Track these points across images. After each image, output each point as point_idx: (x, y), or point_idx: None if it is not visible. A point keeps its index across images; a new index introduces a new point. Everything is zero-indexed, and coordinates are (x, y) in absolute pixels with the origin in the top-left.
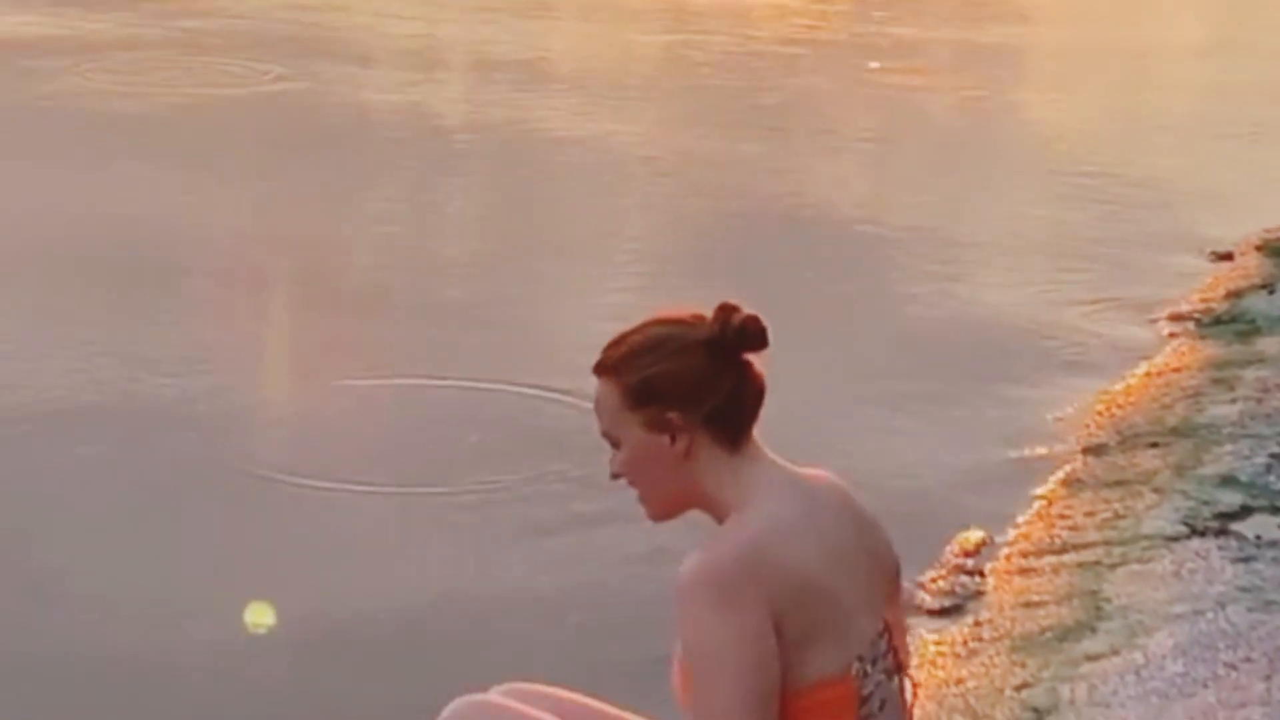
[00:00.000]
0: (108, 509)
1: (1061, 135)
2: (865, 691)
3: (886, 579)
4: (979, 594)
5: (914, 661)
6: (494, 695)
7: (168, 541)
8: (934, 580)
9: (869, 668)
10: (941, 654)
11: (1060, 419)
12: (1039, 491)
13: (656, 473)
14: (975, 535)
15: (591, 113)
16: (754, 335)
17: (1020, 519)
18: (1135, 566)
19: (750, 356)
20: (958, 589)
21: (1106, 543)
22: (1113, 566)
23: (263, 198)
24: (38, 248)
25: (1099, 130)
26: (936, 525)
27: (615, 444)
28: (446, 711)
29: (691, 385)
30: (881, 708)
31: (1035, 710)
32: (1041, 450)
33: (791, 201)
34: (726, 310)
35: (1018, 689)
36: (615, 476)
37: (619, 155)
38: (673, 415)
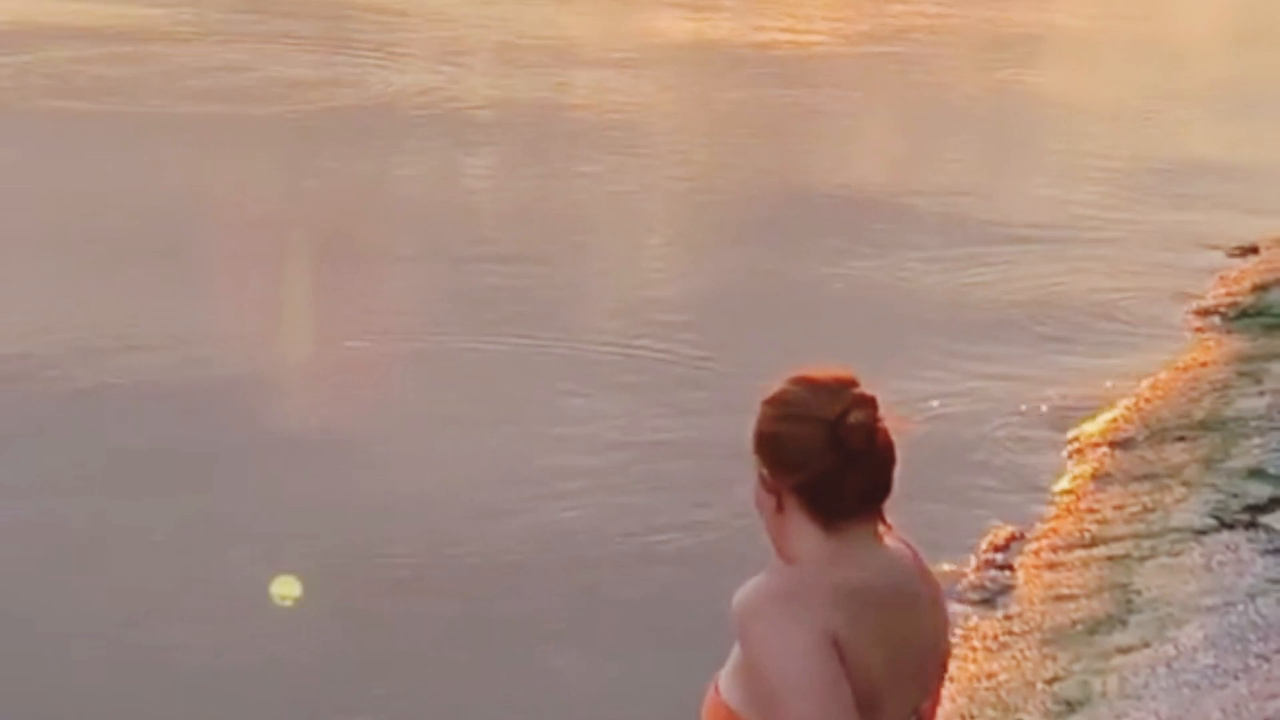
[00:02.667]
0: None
1: (1086, 121)
2: None
3: (933, 669)
4: (1009, 588)
5: None
6: None
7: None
8: (965, 575)
9: None
10: (973, 648)
11: (1088, 415)
12: (1067, 486)
13: (763, 517)
14: (1005, 530)
15: (619, 88)
16: (856, 438)
17: (1049, 514)
18: (1165, 560)
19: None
20: (988, 583)
21: (1135, 536)
22: (1142, 560)
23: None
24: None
25: (1123, 117)
26: (966, 520)
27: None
28: None
29: (785, 453)
30: None
31: (1067, 703)
32: (1069, 446)
33: (819, 174)
34: (851, 402)
35: (1049, 682)
36: None
37: (647, 128)
38: (764, 472)
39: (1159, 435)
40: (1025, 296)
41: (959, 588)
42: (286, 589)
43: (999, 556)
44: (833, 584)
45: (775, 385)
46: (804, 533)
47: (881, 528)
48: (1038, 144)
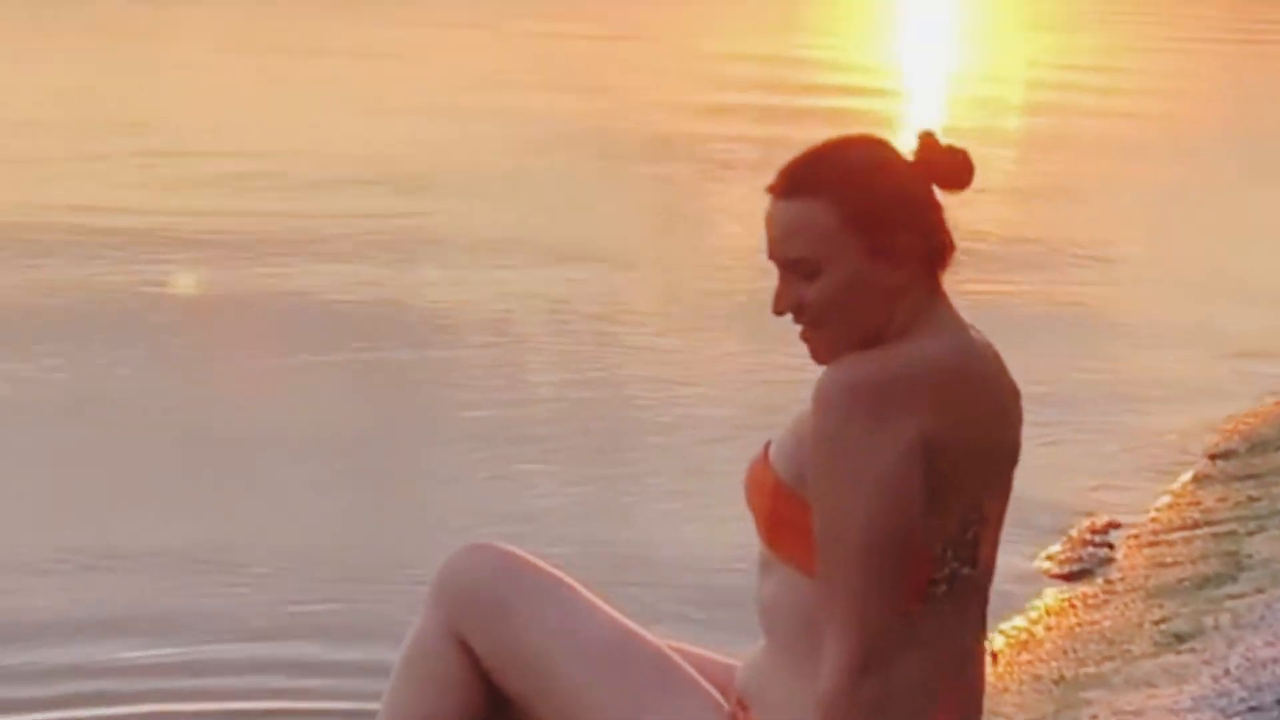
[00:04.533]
0: None
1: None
2: (936, 575)
3: (1005, 465)
4: (1108, 561)
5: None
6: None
7: None
8: (1060, 552)
9: (949, 552)
10: (1073, 605)
11: (1185, 435)
12: (1167, 488)
13: (859, 304)
14: (1101, 519)
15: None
16: (966, 170)
17: (1146, 508)
18: (1276, 532)
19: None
20: (1085, 557)
21: (1241, 519)
22: (1250, 534)
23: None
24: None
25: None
26: (1062, 515)
27: (812, 273)
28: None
29: (925, 212)
30: (948, 591)
31: (1176, 636)
32: (1167, 460)
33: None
34: (932, 140)
35: (1157, 623)
36: (799, 309)
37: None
38: (906, 240)
39: (1261, 447)
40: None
41: (1053, 561)
42: None
43: (1096, 538)
44: (932, 362)
45: (822, 161)
46: (914, 301)
47: None
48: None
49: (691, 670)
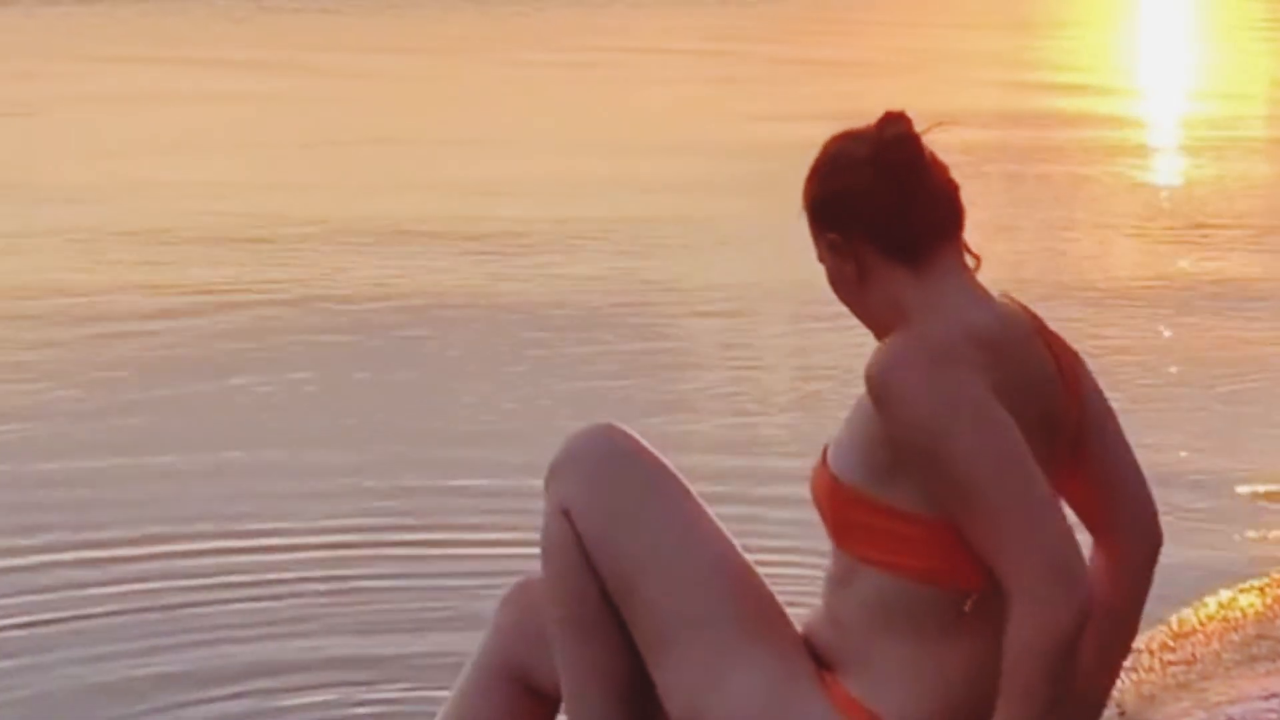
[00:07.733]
0: None
1: None
2: None
3: (1059, 435)
4: None
5: None
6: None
7: None
8: None
9: None
10: None
11: None
12: None
13: (844, 294)
14: None
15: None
16: (895, 152)
17: None
18: None
19: (932, 167)
20: None
21: None
22: None
23: None
24: None
25: None
26: None
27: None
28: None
29: (847, 203)
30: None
31: None
32: None
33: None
34: (886, 120)
35: None
36: None
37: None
38: (833, 237)
39: None
40: None
41: None
42: None
43: None
44: (963, 328)
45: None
46: (895, 286)
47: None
48: None
49: (790, 618)
